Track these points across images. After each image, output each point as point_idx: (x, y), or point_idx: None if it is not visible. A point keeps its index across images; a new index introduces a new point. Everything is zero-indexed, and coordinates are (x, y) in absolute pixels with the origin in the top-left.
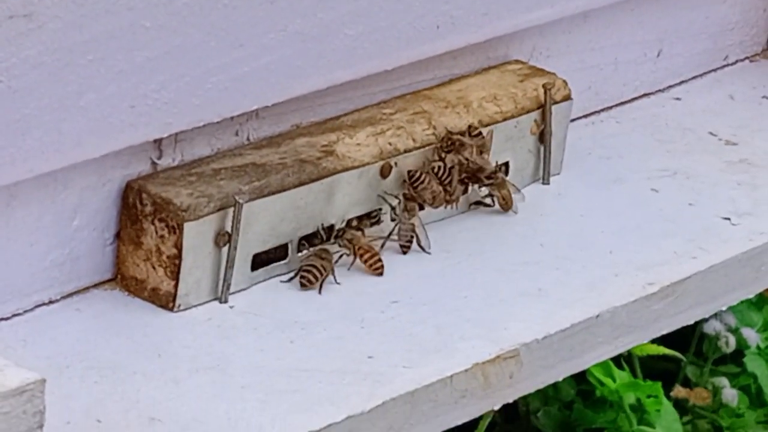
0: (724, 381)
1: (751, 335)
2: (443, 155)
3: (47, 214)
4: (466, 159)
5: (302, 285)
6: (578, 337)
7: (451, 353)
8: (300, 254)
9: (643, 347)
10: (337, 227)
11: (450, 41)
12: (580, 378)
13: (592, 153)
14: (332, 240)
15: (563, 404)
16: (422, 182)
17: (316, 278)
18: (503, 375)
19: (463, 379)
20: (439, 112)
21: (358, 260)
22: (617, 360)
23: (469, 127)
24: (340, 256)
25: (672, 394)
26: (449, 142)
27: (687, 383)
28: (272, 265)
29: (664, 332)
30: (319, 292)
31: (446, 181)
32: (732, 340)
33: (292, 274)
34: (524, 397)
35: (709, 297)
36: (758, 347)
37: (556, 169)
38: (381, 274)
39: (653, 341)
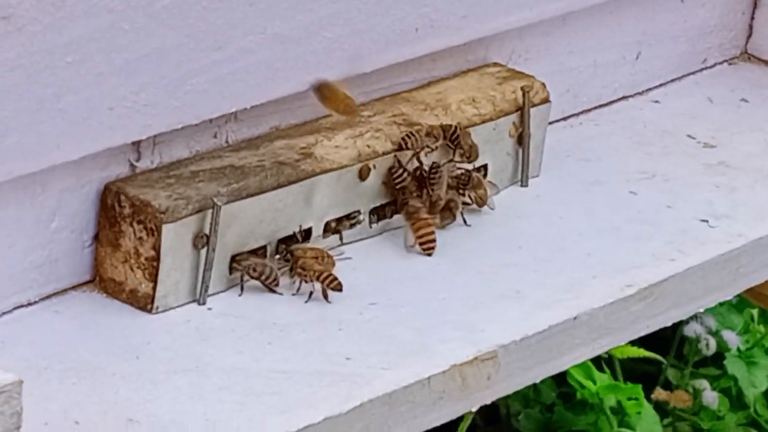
0: (704, 383)
1: (731, 338)
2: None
3: (26, 216)
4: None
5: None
6: (556, 339)
7: (429, 355)
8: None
9: (623, 350)
10: (314, 233)
11: (429, 44)
12: (561, 380)
13: (571, 155)
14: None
15: (544, 407)
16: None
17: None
18: (481, 376)
19: (441, 380)
20: (418, 114)
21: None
22: (598, 362)
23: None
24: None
25: (652, 396)
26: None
27: (668, 386)
28: None
29: (642, 334)
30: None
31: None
32: (712, 342)
33: None
34: (505, 400)
35: (687, 299)
36: (739, 350)
37: (535, 171)
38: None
39: (633, 343)
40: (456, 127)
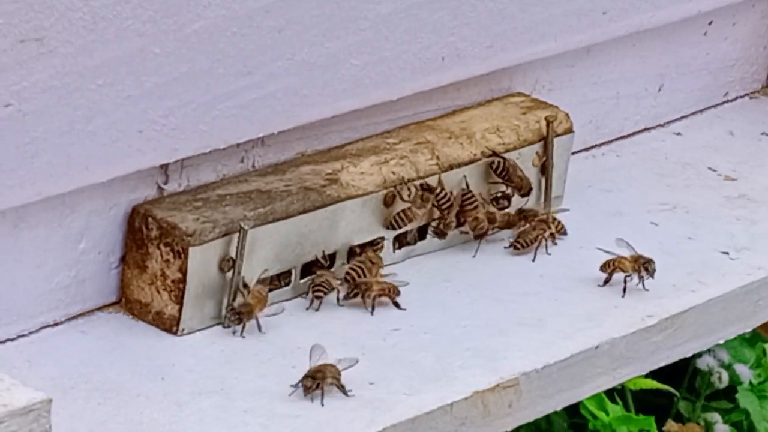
0: (716, 416)
1: (743, 371)
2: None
3: (54, 237)
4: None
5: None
6: (577, 368)
7: (451, 381)
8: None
9: (636, 381)
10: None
11: (454, 73)
12: (574, 411)
13: (593, 186)
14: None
15: None
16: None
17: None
18: (502, 404)
19: (463, 407)
20: (443, 142)
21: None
22: (610, 394)
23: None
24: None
25: (664, 429)
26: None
27: (679, 418)
28: (276, 291)
29: (662, 364)
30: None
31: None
32: (725, 375)
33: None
34: (516, 429)
35: (707, 330)
36: (751, 383)
37: (557, 201)
38: None
39: (647, 375)
40: (501, 162)
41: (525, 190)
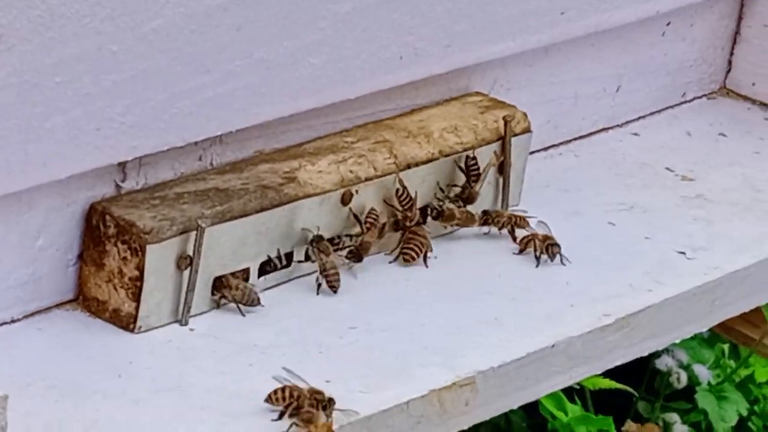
0: (675, 417)
1: (702, 372)
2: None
3: (12, 234)
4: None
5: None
6: (533, 366)
7: (408, 379)
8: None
9: (595, 381)
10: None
11: (412, 72)
12: (532, 411)
13: (551, 185)
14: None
15: None
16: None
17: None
18: (459, 402)
19: (420, 405)
20: (401, 141)
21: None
22: (569, 393)
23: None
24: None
25: (623, 429)
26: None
27: (638, 418)
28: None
29: (619, 363)
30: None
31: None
32: (684, 376)
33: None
34: (475, 429)
35: (664, 329)
36: (709, 384)
37: (515, 200)
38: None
39: (605, 375)
40: (476, 161)
41: (474, 199)
